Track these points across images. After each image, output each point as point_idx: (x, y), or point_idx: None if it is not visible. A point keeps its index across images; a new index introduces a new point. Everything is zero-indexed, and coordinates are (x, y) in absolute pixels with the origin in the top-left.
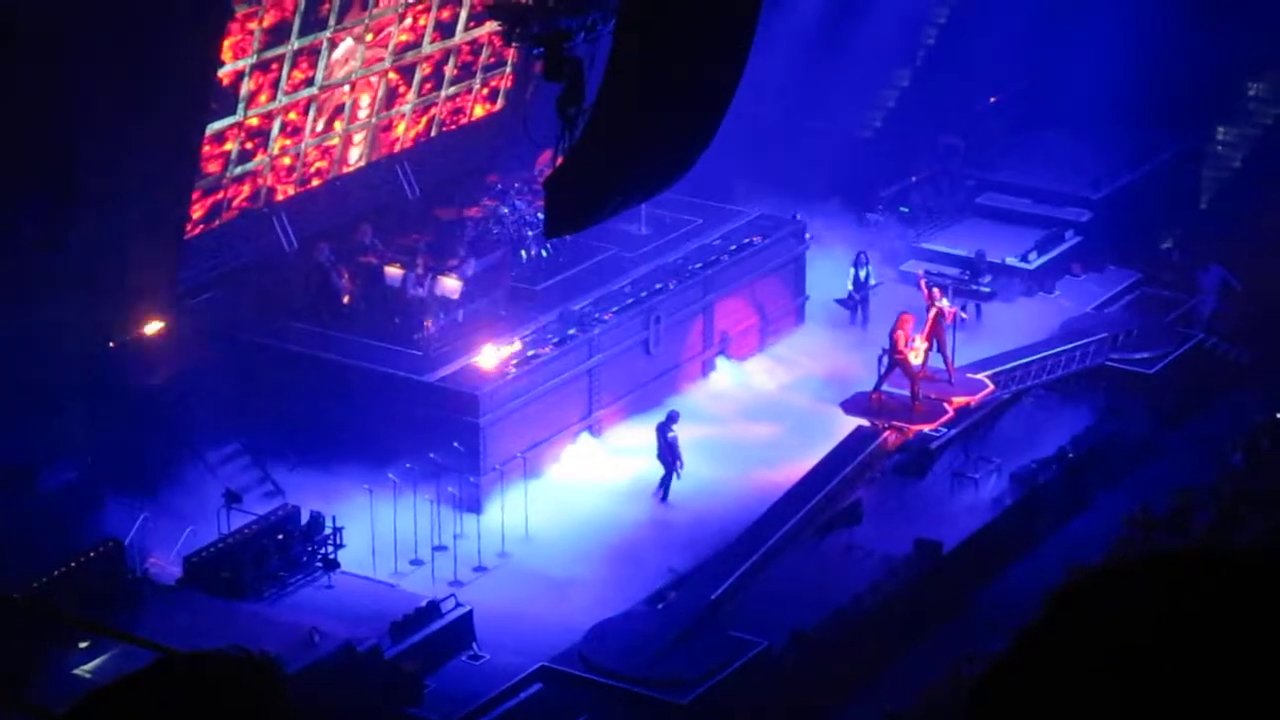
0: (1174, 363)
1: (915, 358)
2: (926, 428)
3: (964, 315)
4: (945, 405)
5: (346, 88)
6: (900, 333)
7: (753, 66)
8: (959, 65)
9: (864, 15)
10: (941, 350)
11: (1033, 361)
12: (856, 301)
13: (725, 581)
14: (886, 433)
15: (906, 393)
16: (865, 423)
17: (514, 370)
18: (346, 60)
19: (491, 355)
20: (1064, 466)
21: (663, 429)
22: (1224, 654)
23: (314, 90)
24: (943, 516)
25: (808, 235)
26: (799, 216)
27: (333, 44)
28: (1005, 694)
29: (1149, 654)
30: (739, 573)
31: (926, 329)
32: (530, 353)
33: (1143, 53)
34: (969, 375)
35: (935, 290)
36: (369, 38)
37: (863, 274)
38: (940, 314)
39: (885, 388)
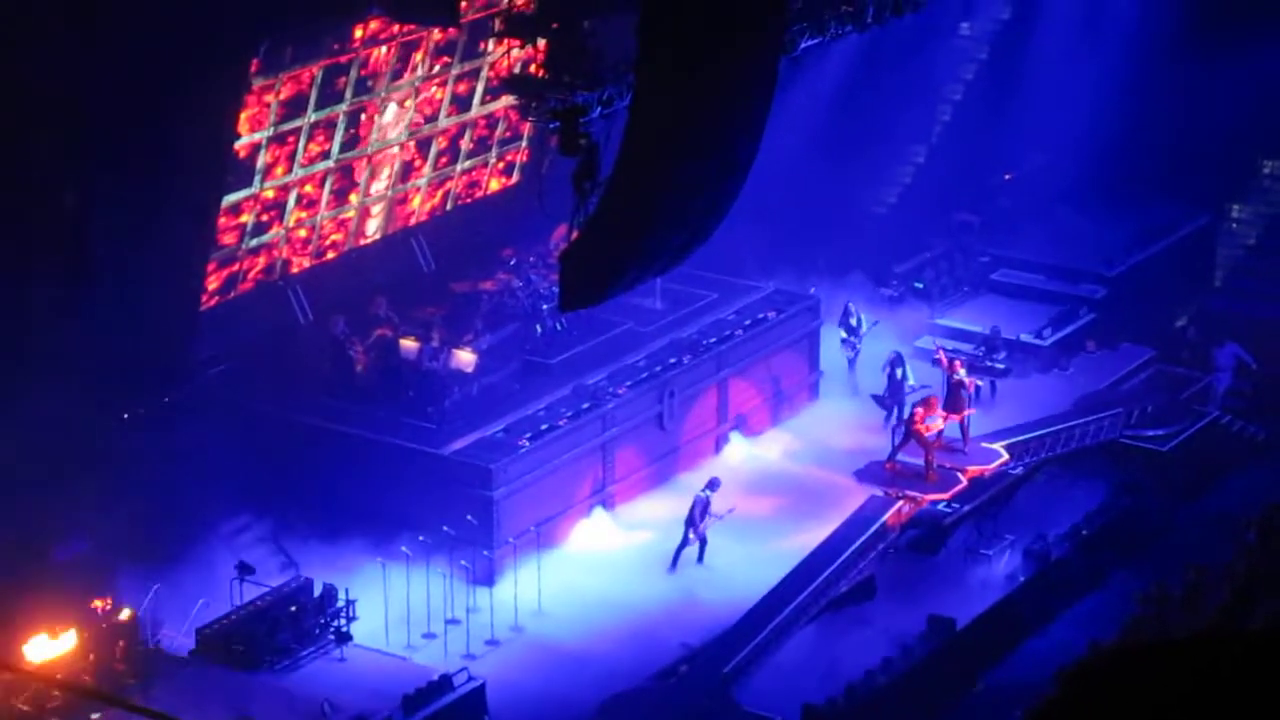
0: (1188, 440)
1: (931, 428)
2: (940, 497)
3: (979, 384)
4: (959, 475)
5: (363, 161)
6: (921, 409)
7: (768, 142)
8: (974, 142)
9: (879, 92)
10: (959, 420)
11: (1047, 434)
12: (891, 404)
13: (738, 655)
14: (900, 502)
15: (920, 462)
16: (879, 492)
17: (527, 444)
18: (397, 123)
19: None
20: (1078, 543)
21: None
22: None
23: (330, 163)
24: (956, 593)
25: (875, 321)
26: (814, 291)
27: (351, 117)
28: None
29: None
30: (752, 645)
31: (945, 399)
32: (544, 426)
33: (1157, 132)
34: (983, 445)
35: (956, 362)
36: (409, 102)
37: (899, 374)
38: (960, 385)
39: (900, 457)
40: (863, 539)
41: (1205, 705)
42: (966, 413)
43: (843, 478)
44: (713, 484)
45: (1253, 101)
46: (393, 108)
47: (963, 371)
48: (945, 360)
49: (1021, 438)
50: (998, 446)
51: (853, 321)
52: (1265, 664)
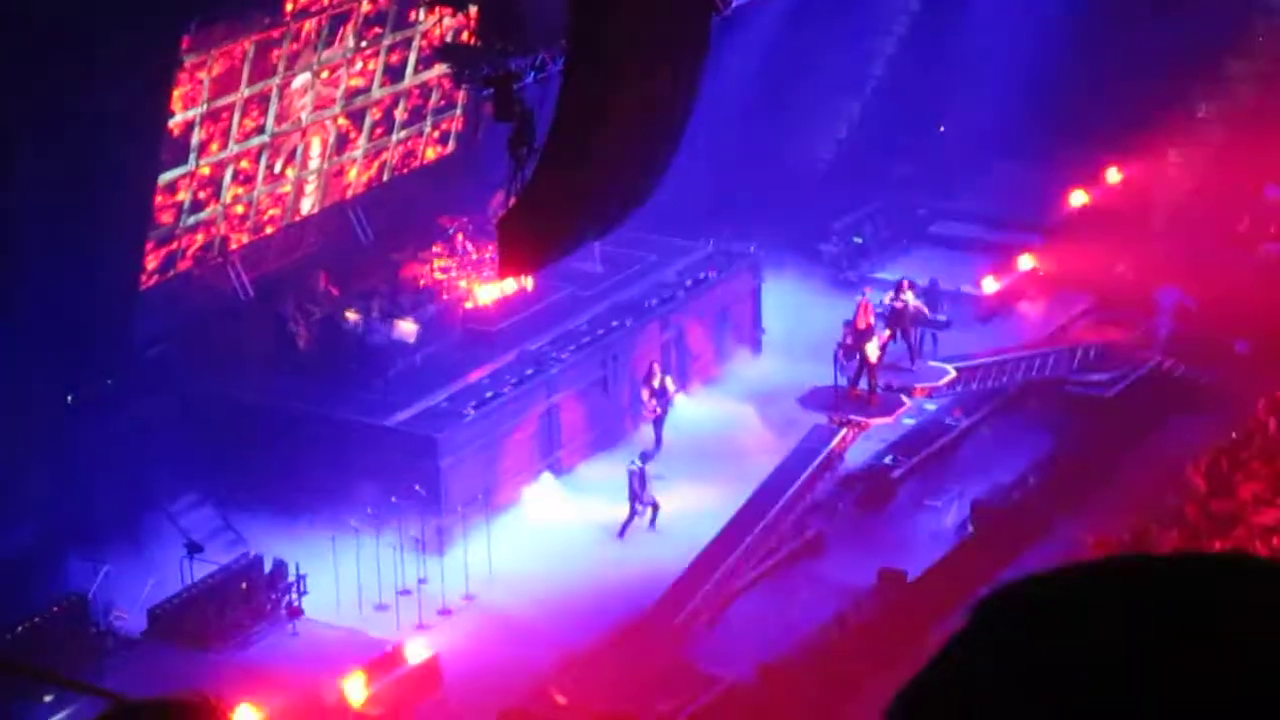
0: (1132, 385)
1: (874, 351)
2: (884, 421)
3: (910, 303)
4: (903, 397)
5: (298, 135)
6: (862, 317)
7: (703, 102)
8: (908, 96)
9: (811, 48)
10: (906, 339)
11: (993, 362)
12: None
13: (690, 602)
14: (844, 429)
15: (864, 386)
16: (823, 419)
17: (472, 412)
18: (304, 93)
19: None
20: (1025, 492)
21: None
22: (1167, 664)
23: (265, 138)
24: (906, 546)
25: (679, 388)
26: (754, 249)
27: (284, 91)
28: (925, 708)
29: (1077, 663)
30: (706, 587)
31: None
32: (489, 394)
33: (1091, 77)
34: (931, 364)
35: (903, 282)
36: (325, 75)
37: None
38: (905, 307)
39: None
40: (809, 469)
41: (1148, 631)
42: (911, 331)
43: (789, 433)
44: (645, 455)
45: (1186, 48)
46: (303, 78)
47: (909, 294)
48: (863, 308)
49: (970, 363)
50: (946, 366)
51: (655, 383)
52: (1217, 583)
